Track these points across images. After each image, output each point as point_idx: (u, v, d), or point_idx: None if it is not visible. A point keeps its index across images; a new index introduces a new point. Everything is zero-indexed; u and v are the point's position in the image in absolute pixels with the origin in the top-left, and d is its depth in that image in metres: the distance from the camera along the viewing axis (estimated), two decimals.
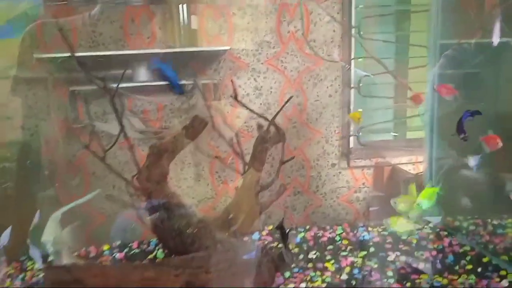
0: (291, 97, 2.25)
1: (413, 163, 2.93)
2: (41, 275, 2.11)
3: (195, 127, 2.04)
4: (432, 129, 2.65)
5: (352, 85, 2.75)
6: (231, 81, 2.08)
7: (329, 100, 2.80)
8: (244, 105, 2.09)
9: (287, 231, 1.97)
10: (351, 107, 2.79)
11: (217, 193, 2.79)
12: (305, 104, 2.79)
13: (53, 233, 1.92)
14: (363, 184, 2.93)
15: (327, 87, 2.79)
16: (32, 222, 2.01)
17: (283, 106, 2.16)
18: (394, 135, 3.06)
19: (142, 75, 2.47)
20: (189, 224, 1.94)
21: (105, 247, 2.48)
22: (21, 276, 2.14)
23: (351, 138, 2.84)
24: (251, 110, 2.13)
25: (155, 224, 1.95)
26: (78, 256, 2.34)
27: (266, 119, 2.15)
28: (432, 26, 2.54)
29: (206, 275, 1.68)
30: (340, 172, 2.90)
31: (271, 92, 2.74)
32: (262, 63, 2.71)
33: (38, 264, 2.05)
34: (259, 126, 2.21)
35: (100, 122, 2.52)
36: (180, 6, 2.41)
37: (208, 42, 2.60)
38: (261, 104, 2.74)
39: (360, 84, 2.72)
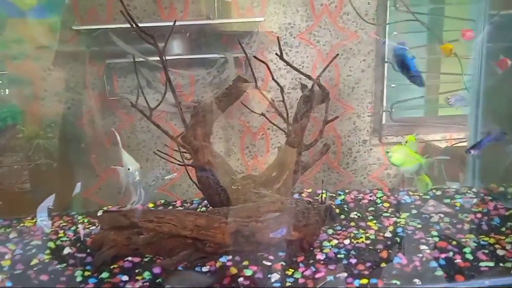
0: (337, 55, 2.17)
1: (447, 140, 2.87)
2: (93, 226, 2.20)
3: (239, 87, 2.03)
4: (478, 103, 2.56)
5: (386, 60, 2.69)
6: (277, 38, 1.99)
7: (362, 75, 2.75)
8: (288, 63, 2.02)
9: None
10: (385, 82, 2.73)
11: (247, 168, 2.81)
12: (337, 79, 2.75)
13: (135, 164, 1.98)
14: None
15: (360, 62, 2.73)
16: (73, 191, 2.09)
17: (330, 63, 2.05)
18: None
19: (175, 48, 2.49)
20: (234, 181, 1.97)
21: (150, 205, 2.50)
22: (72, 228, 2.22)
23: (384, 114, 2.79)
24: (295, 68, 2.07)
25: (201, 181, 1.98)
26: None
27: (310, 78, 2.08)
28: None
29: (255, 224, 1.70)
30: (371, 149, 2.87)
31: (302, 66, 2.71)
32: (294, 37, 2.68)
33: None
34: (303, 86, 2.18)
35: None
36: None
37: (241, 15, 2.58)
38: (292, 79, 2.71)
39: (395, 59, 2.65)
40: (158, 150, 2.15)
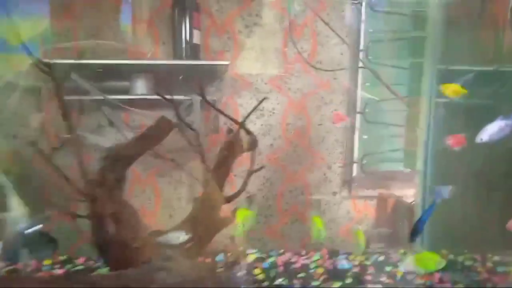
0: (264, 98, 2.10)
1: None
2: None
3: (160, 129, 1.80)
4: (426, 162, 2.50)
5: (358, 110, 2.64)
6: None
7: (333, 125, 2.68)
8: (212, 105, 1.92)
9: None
10: (356, 133, 2.67)
11: None
12: (308, 127, 2.68)
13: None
14: (365, 215, 2.77)
15: (331, 111, 2.68)
16: None
17: (256, 106, 2.00)
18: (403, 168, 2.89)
19: (140, 88, 2.40)
20: (136, 239, 1.68)
21: (46, 261, 2.29)
22: None
23: (355, 166, 2.70)
24: (220, 111, 1.98)
25: (96, 236, 1.70)
26: (14, 270, 2.17)
27: (236, 121, 1.96)
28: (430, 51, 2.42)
29: None
30: (341, 202, 2.76)
31: (273, 113, 2.64)
32: (265, 83, 2.62)
33: None
34: (229, 130, 2.01)
35: (93, 135, 2.43)
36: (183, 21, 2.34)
37: (212, 59, 2.52)
38: (262, 125, 2.64)
39: (366, 110, 2.61)
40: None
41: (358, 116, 2.65)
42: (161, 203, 2.59)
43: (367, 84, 2.65)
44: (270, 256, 2.42)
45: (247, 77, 2.60)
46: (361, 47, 2.59)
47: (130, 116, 2.54)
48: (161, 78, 2.40)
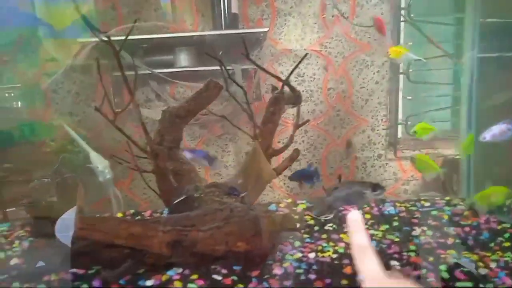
0: (306, 54, 2.08)
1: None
2: None
3: (209, 91, 1.90)
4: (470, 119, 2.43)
5: (401, 71, 2.59)
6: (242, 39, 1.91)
7: (375, 87, 2.66)
8: (255, 63, 1.95)
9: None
10: (400, 94, 2.63)
11: None
12: (350, 91, 2.67)
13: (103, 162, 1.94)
14: (412, 176, 2.76)
15: (374, 73, 2.65)
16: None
17: (299, 63, 1.99)
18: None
19: (183, 61, 2.47)
20: (197, 188, 1.81)
21: (119, 215, 2.40)
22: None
23: (399, 127, 2.68)
24: (262, 68, 2.00)
25: (162, 188, 1.86)
26: None
27: (279, 79, 2.00)
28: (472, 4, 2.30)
29: (197, 233, 1.55)
30: (386, 163, 2.75)
31: (314, 79, 2.65)
32: (305, 49, 2.62)
33: None
34: (273, 88, 2.08)
35: (142, 108, 2.55)
36: None
37: (250, 27, 2.55)
38: (303, 91, 2.65)
39: (410, 70, 2.55)
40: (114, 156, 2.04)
41: (401, 76, 2.60)
42: (209, 171, 2.69)
43: (409, 43, 2.59)
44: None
45: (286, 43, 2.61)
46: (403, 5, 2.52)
47: (175, 88, 2.63)
48: (202, 50, 2.46)
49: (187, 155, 1.96)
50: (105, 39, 1.71)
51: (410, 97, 2.66)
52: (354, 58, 2.63)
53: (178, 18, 2.59)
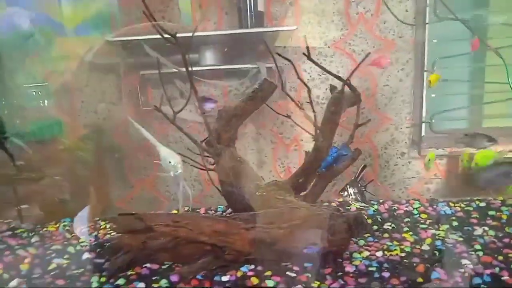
0: (368, 54, 2.02)
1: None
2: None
3: (264, 90, 1.96)
4: None
5: (425, 69, 2.57)
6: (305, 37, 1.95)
7: (399, 85, 2.64)
8: (316, 63, 1.93)
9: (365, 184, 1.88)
10: (424, 92, 2.61)
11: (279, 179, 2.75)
12: (373, 89, 2.66)
13: (176, 157, 1.96)
14: (435, 175, 2.74)
15: (398, 71, 2.63)
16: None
17: (360, 63, 1.97)
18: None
19: (208, 59, 2.48)
20: (258, 187, 1.86)
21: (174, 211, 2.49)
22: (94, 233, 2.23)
23: (423, 125, 2.66)
24: (323, 68, 1.99)
25: (224, 186, 1.92)
26: None
27: (340, 78, 1.99)
28: None
29: (277, 231, 1.60)
30: (410, 162, 2.74)
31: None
32: (329, 47, 2.62)
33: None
34: (333, 87, 2.09)
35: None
36: None
37: (274, 26, 2.55)
38: (326, 89, 2.65)
39: (435, 68, 2.53)
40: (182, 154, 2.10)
41: (425, 74, 2.59)
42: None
43: (434, 40, 2.57)
44: (372, 205, 2.43)
45: (310, 41, 2.60)
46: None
47: (198, 86, 2.64)
48: (228, 48, 2.47)
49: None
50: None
51: (434, 95, 2.64)
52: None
53: (202, 15, 2.60)
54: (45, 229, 2.30)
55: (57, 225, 2.34)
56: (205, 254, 1.63)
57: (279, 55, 1.91)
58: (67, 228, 2.29)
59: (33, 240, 2.15)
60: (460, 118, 2.84)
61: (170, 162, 1.91)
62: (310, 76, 2.64)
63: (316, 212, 1.67)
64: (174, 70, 2.34)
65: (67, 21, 2.50)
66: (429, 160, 2.57)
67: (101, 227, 2.31)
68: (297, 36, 2.57)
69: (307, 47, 1.84)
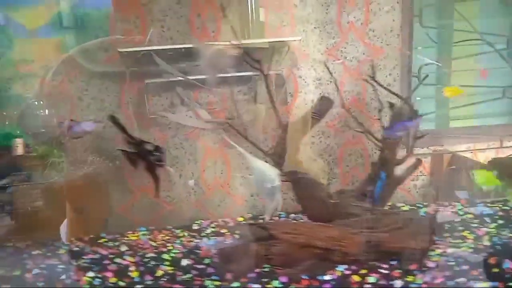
0: (426, 76, 2.35)
1: (471, 151, 2.94)
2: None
3: (323, 106, 2.29)
4: None
5: (412, 74, 2.77)
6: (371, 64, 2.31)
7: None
8: (380, 84, 2.27)
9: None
10: (411, 96, 2.80)
11: None
12: (364, 93, 2.82)
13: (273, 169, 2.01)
14: (421, 172, 2.94)
15: (386, 76, 2.81)
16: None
17: (422, 81, 2.31)
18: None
19: (208, 67, 2.55)
20: (330, 195, 2.11)
21: (239, 219, 2.66)
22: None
23: None
24: (387, 89, 2.30)
25: (301, 194, 2.12)
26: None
27: (400, 97, 2.28)
28: None
29: (382, 234, 1.84)
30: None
31: (331, 82, 2.77)
32: (321, 54, 2.75)
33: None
34: (391, 104, 2.33)
35: (170, 113, 2.62)
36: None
37: (271, 34, 2.65)
38: (320, 94, 2.78)
39: (422, 73, 2.73)
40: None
41: (413, 79, 2.78)
42: (232, 172, 2.79)
43: (418, 47, 2.77)
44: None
45: (304, 49, 2.73)
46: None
47: (198, 94, 2.71)
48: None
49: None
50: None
51: (418, 98, 2.84)
52: (368, 62, 2.77)
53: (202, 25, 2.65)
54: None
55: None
56: (314, 257, 1.84)
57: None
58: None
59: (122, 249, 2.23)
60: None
61: (269, 175, 1.93)
62: (305, 82, 2.77)
63: (407, 216, 1.99)
64: (179, 78, 2.40)
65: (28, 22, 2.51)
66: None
67: (180, 236, 2.45)
68: (293, 44, 2.69)
69: (373, 69, 2.27)
